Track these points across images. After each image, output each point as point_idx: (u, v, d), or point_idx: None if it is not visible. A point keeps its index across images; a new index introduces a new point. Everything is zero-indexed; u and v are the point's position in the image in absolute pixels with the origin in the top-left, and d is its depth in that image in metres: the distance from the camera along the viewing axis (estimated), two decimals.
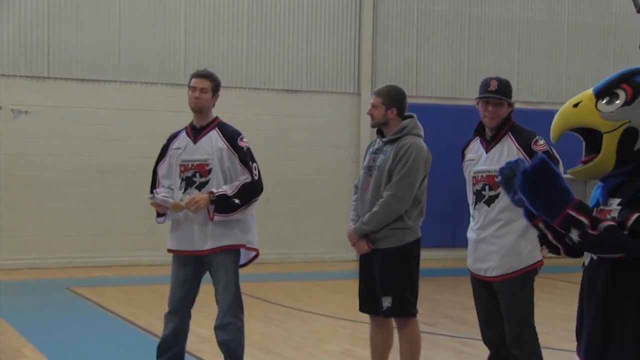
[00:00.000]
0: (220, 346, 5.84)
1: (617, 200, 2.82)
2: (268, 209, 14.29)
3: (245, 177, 5.68)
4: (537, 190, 2.74)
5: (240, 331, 5.80)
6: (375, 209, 5.69)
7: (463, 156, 5.42)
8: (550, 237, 2.92)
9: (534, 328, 5.18)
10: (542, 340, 5.24)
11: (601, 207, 2.89)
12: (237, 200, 5.60)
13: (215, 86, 5.83)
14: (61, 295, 10.92)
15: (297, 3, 14.64)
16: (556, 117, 2.95)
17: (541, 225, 2.91)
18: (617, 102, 2.83)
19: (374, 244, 5.77)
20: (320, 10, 14.77)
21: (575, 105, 2.89)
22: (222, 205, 5.59)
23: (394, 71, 15.11)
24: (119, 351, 7.70)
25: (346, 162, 14.67)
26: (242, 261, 5.92)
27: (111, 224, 13.42)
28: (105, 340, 8.20)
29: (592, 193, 3.03)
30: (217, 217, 5.60)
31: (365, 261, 5.89)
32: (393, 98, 5.79)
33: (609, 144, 2.82)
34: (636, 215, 2.70)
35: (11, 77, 13.11)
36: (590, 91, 2.91)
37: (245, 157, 5.73)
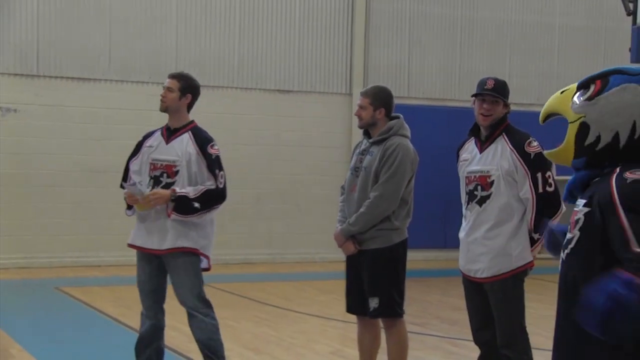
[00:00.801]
0: (199, 344, 5.84)
1: (584, 201, 2.88)
2: (259, 208, 14.29)
3: (210, 183, 5.69)
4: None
5: (216, 327, 5.81)
6: (362, 209, 5.69)
7: (458, 156, 5.43)
8: None
9: (525, 329, 5.19)
10: (532, 340, 5.24)
11: (574, 207, 2.97)
12: (196, 204, 5.61)
13: (186, 87, 5.81)
14: (50, 295, 10.88)
15: (289, 3, 14.62)
16: (547, 101, 3.11)
17: None
18: (585, 96, 2.93)
19: (361, 245, 5.77)
20: (313, 10, 14.76)
21: (562, 92, 3.04)
22: (182, 205, 5.61)
23: (386, 72, 15.10)
24: (109, 351, 7.68)
25: (338, 163, 14.65)
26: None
27: (102, 224, 13.38)
28: (95, 340, 8.18)
29: None
30: (174, 216, 5.63)
31: (352, 262, 5.89)
32: (381, 98, 5.79)
33: (570, 134, 2.95)
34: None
35: (0, 75, 13.05)
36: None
37: (213, 165, 5.72)
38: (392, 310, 5.75)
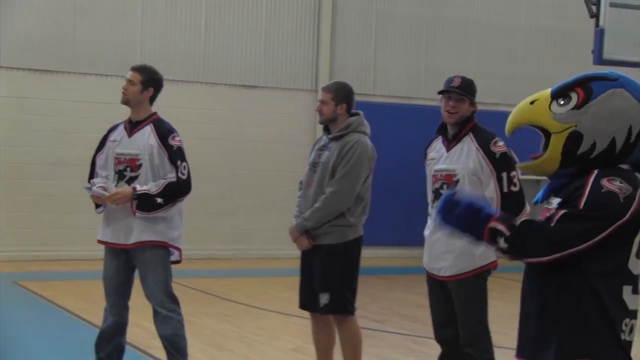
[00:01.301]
0: (163, 340, 5.81)
1: (558, 200, 2.89)
2: (223, 204, 14.24)
3: (172, 176, 5.64)
4: (456, 223, 2.91)
5: (181, 324, 5.79)
6: (317, 205, 5.69)
7: (425, 155, 5.44)
8: None
9: (487, 327, 5.21)
10: (494, 339, 5.26)
11: (545, 205, 2.97)
12: (159, 200, 5.58)
13: (148, 80, 5.77)
14: (10, 289, 10.75)
15: None
16: (513, 112, 3.04)
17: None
18: (569, 105, 2.90)
19: (315, 240, 5.77)
20: (279, 6, 14.73)
21: (532, 103, 2.97)
22: (144, 203, 5.58)
23: (352, 69, 15.11)
24: (70, 347, 7.62)
25: (302, 159, 14.50)
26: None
27: (64, 217, 13.26)
28: (56, 335, 8.11)
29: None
30: (138, 214, 5.60)
31: (306, 258, 5.90)
32: (343, 94, 5.80)
33: (556, 145, 2.90)
34: (562, 212, 2.78)
35: None
36: (548, 91, 2.99)
37: (175, 156, 5.68)
38: (343, 307, 5.74)
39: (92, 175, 5.91)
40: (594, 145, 2.86)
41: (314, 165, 5.84)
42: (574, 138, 2.87)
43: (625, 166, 2.91)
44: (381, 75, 15.41)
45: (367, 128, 5.85)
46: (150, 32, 13.91)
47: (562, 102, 2.92)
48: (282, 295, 10.83)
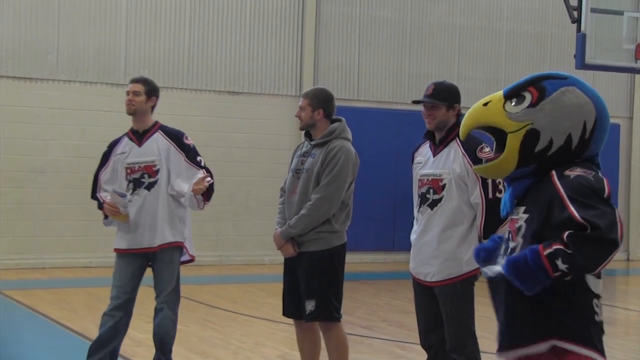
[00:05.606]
0: (156, 337, 5.98)
1: (523, 209, 2.91)
2: (208, 210, 14.15)
3: (200, 172, 5.89)
4: (522, 281, 2.81)
5: (174, 323, 6.01)
6: (303, 211, 5.69)
7: (413, 159, 5.46)
8: None
9: (474, 332, 5.21)
10: (480, 344, 5.26)
11: (511, 216, 2.98)
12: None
13: (150, 90, 6.05)
14: None
15: (239, 4, 14.57)
16: (466, 115, 3.07)
17: None
18: (523, 103, 2.94)
19: (300, 247, 5.77)
20: (263, 12, 14.73)
21: (485, 105, 3.00)
22: (210, 192, 5.92)
23: (336, 74, 15.12)
24: (52, 356, 7.57)
25: (287, 165, 14.46)
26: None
27: (46, 225, 13.19)
28: (38, 344, 8.05)
29: (502, 200, 3.11)
30: (207, 204, 6.01)
31: (290, 264, 5.89)
32: (320, 100, 5.81)
33: (513, 144, 2.93)
34: (579, 216, 2.71)
35: None
36: (500, 92, 3.03)
37: (193, 154, 6.01)
38: (329, 313, 5.73)
39: (95, 190, 6.04)
40: (551, 142, 2.90)
41: (296, 171, 5.85)
42: (531, 135, 2.90)
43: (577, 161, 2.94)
44: (365, 81, 15.42)
45: (350, 134, 5.88)
46: (133, 39, 13.87)
47: (516, 102, 2.96)
48: (267, 302, 10.81)
